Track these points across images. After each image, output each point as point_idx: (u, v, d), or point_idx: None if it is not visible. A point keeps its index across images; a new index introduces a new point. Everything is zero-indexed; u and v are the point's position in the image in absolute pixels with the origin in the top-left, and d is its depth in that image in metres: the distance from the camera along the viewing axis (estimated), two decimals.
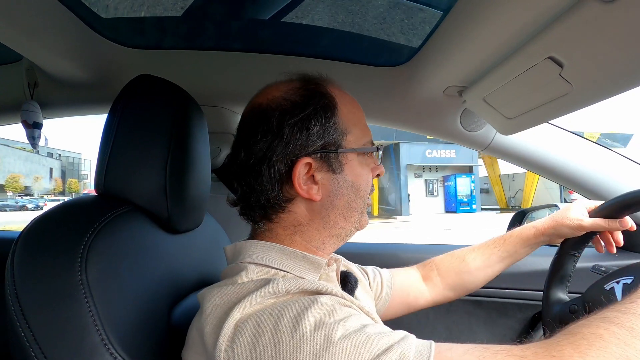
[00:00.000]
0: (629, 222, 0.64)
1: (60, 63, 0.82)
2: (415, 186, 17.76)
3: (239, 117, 1.11)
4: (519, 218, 1.26)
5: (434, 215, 17.14)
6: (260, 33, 0.90)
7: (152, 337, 0.49)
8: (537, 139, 0.95)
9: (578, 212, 0.69)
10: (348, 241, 0.54)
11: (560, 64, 0.58)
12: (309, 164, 0.47)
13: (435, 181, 18.38)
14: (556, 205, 1.10)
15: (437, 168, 18.13)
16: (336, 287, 0.50)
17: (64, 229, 0.47)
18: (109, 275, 0.46)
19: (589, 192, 0.96)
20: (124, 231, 0.51)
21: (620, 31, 0.48)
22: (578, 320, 0.36)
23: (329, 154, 0.48)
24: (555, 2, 0.50)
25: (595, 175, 0.94)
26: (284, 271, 0.46)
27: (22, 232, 0.47)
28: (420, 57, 0.84)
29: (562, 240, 0.72)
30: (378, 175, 0.55)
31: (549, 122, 0.94)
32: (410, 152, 17.06)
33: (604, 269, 0.65)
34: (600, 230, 0.67)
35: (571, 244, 0.70)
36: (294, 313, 0.36)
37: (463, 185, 17.57)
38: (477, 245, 0.77)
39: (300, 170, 0.46)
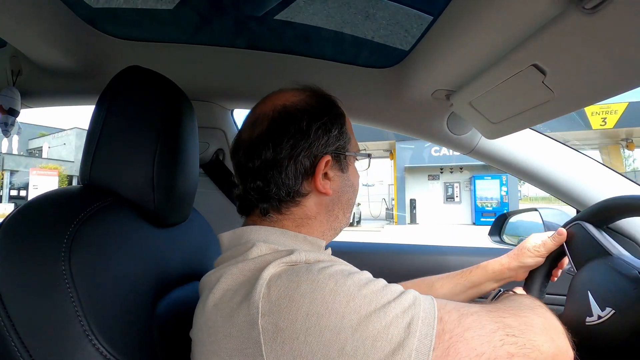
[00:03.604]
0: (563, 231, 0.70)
1: (47, 52, 0.81)
2: (428, 191, 15.45)
3: (229, 113, 1.12)
4: (501, 221, 1.29)
5: (448, 225, 13.67)
6: (253, 30, 0.90)
7: (136, 329, 0.49)
8: (520, 144, 0.98)
9: (536, 240, 0.73)
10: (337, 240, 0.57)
11: (543, 72, 0.60)
12: (328, 162, 0.53)
13: (457, 184, 15.23)
14: (536, 209, 1.12)
15: (461, 168, 14.84)
16: None
17: (49, 219, 0.46)
18: (93, 266, 0.45)
19: (567, 197, 1.00)
20: (110, 222, 0.50)
21: (600, 41, 0.50)
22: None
23: (340, 155, 0.55)
24: (539, 12, 0.52)
25: (573, 181, 0.97)
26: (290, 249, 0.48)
27: (4, 220, 0.46)
28: (410, 60, 0.86)
29: (526, 274, 0.74)
30: (358, 179, 0.62)
31: (532, 127, 0.97)
32: (407, 153, 14.90)
33: (573, 271, 0.68)
34: (558, 244, 0.70)
35: (537, 284, 0.72)
36: (323, 266, 0.41)
37: (487, 189, 13.62)
38: (446, 274, 0.79)
39: (322, 166, 0.52)
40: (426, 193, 15.51)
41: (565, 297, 0.67)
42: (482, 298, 0.75)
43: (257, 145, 0.51)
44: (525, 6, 0.53)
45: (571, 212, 0.97)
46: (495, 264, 0.75)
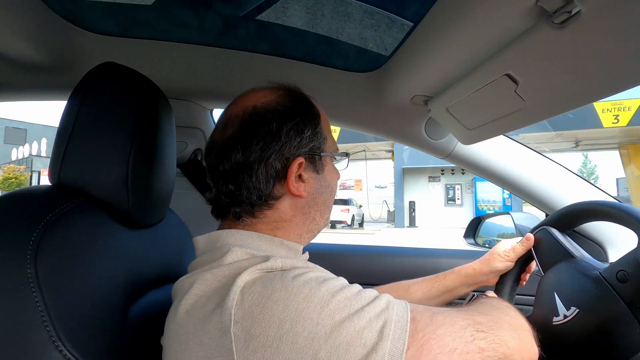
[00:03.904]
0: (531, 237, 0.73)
1: (17, 44, 0.77)
2: (429, 193, 15.06)
3: (208, 113, 1.10)
4: (475, 224, 1.32)
5: (449, 229, 12.47)
6: (234, 29, 0.89)
7: (106, 334, 0.47)
8: (494, 150, 1.01)
9: (506, 246, 0.75)
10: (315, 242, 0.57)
11: (515, 81, 0.62)
12: (301, 164, 0.52)
13: (458, 186, 14.86)
14: (509, 213, 1.16)
15: (463, 170, 13.45)
16: None
17: (14, 220, 0.44)
18: (61, 269, 0.44)
19: (536, 201, 1.04)
20: (80, 224, 0.49)
21: (568, 55, 0.53)
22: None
23: (314, 156, 0.54)
24: (512, 25, 0.54)
25: (542, 186, 1.01)
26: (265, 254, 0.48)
27: None
28: (391, 65, 0.87)
29: (497, 280, 0.76)
30: (337, 179, 0.62)
31: (507, 135, 1.01)
32: (406, 154, 14.28)
33: (542, 274, 0.71)
34: (526, 249, 0.73)
35: (508, 288, 0.75)
36: (298, 273, 0.41)
37: (489, 192, 12.99)
38: (421, 278, 0.81)
39: (294, 168, 0.51)
40: (426, 195, 15.16)
41: (533, 297, 0.70)
42: (460, 300, 0.77)
43: (227, 148, 0.50)
44: (499, 18, 0.55)
45: (541, 216, 1.02)
46: (468, 269, 0.77)
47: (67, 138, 0.52)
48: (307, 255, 0.58)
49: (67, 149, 0.52)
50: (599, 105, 10.84)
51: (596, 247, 1.00)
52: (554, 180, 1.01)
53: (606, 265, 0.59)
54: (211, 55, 0.92)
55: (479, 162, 1.02)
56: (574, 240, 0.69)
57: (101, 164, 0.53)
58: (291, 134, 0.50)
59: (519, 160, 1.02)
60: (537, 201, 1.04)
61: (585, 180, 1.02)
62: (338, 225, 14.91)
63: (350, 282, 0.44)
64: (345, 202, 15.14)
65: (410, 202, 14.86)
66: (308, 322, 0.37)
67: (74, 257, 0.46)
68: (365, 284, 0.47)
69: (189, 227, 0.79)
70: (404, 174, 15.00)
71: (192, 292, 0.42)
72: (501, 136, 1.01)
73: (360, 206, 16.60)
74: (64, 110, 0.55)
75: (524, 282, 0.77)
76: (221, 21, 0.85)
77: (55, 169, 0.52)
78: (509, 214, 1.18)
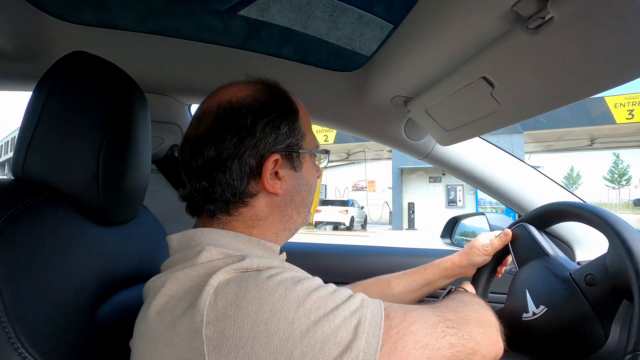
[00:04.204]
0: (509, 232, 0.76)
1: None
2: (429, 194, 14.51)
3: (185, 108, 1.08)
4: (452, 224, 1.36)
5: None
6: (214, 23, 0.87)
7: (72, 335, 0.45)
8: (471, 152, 1.04)
9: (485, 240, 0.78)
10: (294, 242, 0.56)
11: (491, 84, 0.64)
12: (276, 160, 0.50)
13: (460, 188, 14.43)
14: (484, 214, 1.20)
15: None
16: None
17: None
18: (23, 268, 0.41)
19: (510, 202, 1.07)
20: (44, 220, 0.46)
21: (541, 59, 0.54)
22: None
23: (292, 153, 0.52)
24: (489, 29, 0.56)
25: (516, 188, 1.04)
26: (241, 254, 0.46)
27: None
28: (371, 65, 0.88)
29: (474, 271, 0.79)
30: (318, 177, 0.61)
31: (483, 137, 1.03)
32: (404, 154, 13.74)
33: (514, 270, 0.73)
34: (503, 244, 0.75)
35: (484, 280, 0.78)
36: (273, 272, 0.40)
37: None
38: (402, 272, 0.82)
39: (269, 165, 0.50)
40: (427, 197, 14.72)
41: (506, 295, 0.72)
42: (433, 298, 0.78)
43: (201, 143, 0.49)
44: (477, 22, 0.56)
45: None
46: (447, 262, 0.79)
47: (32, 129, 0.50)
48: (284, 255, 0.57)
49: (32, 141, 0.50)
50: (611, 100, 10.20)
51: (564, 247, 1.04)
52: (526, 182, 1.05)
53: (577, 266, 0.62)
54: (189, 49, 0.89)
55: (456, 163, 1.04)
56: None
57: (70, 157, 0.51)
58: (267, 129, 0.49)
59: (494, 162, 1.05)
60: (511, 202, 1.07)
61: (556, 182, 1.06)
62: (327, 227, 14.61)
63: (328, 282, 0.43)
64: (344, 203, 14.85)
65: (409, 203, 14.50)
66: (283, 322, 0.36)
67: (36, 254, 0.43)
68: (344, 283, 0.47)
69: (164, 225, 0.77)
70: (404, 175, 14.66)
71: (163, 292, 0.41)
72: (478, 138, 1.03)
73: (362, 207, 16.27)
74: (30, 100, 0.52)
75: (500, 275, 0.80)
76: (201, 15, 0.83)
77: (19, 161, 0.50)
78: (483, 214, 1.21)
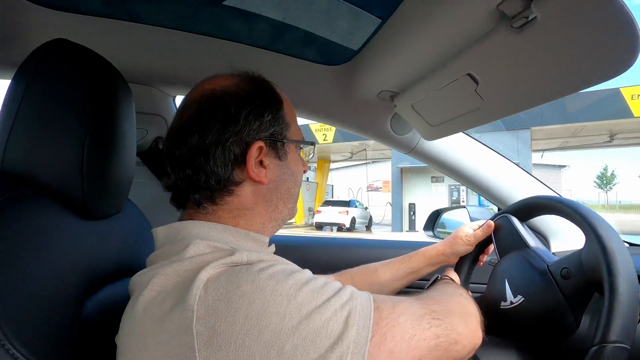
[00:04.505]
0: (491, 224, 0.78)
1: None
2: (431, 194, 13.74)
3: (170, 100, 1.06)
4: (434, 217, 1.39)
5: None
6: (199, 13, 0.85)
7: (58, 331, 0.44)
8: (454, 147, 1.06)
9: (468, 230, 0.80)
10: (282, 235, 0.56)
11: (476, 81, 0.66)
12: (261, 148, 0.50)
13: (463, 187, 12.98)
14: (465, 207, 1.23)
15: None
16: None
17: None
18: (5, 263, 0.40)
19: (491, 196, 1.10)
20: (26, 214, 0.45)
21: (524, 57, 0.56)
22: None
23: (277, 142, 0.53)
24: (475, 26, 0.57)
25: (497, 182, 1.08)
26: (230, 247, 0.46)
27: None
28: (359, 60, 0.88)
29: (457, 259, 0.81)
30: (304, 171, 0.61)
31: (466, 133, 1.06)
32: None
33: (494, 261, 0.76)
34: (486, 234, 0.78)
35: (466, 268, 0.81)
36: (264, 266, 0.40)
37: None
38: (388, 260, 0.84)
39: (253, 153, 0.50)
40: (429, 197, 13.95)
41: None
42: (420, 282, 0.81)
43: (184, 131, 0.49)
44: (463, 20, 0.57)
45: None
46: (432, 250, 0.81)
47: (12, 120, 0.48)
48: (273, 247, 0.57)
49: (11, 132, 0.48)
50: (627, 91, 9.30)
51: (540, 238, 1.09)
52: (507, 176, 1.08)
53: (555, 258, 0.64)
54: (175, 39, 0.87)
55: (440, 157, 1.06)
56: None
57: (52, 148, 0.49)
58: (250, 117, 0.50)
59: (477, 158, 1.07)
60: (492, 195, 1.10)
61: (535, 178, 1.10)
62: (334, 228, 13.85)
63: (315, 274, 0.44)
64: (346, 203, 14.32)
65: (410, 204, 13.91)
66: (275, 316, 0.36)
67: (20, 249, 0.42)
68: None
69: (149, 218, 0.76)
70: (404, 174, 14.13)
71: (151, 288, 0.40)
72: (461, 134, 1.06)
73: (367, 208, 15.85)
74: (8, 89, 0.50)
75: (482, 263, 0.83)
76: (186, 4, 0.82)
77: None
78: (465, 207, 1.25)
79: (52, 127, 0.49)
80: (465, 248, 0.79)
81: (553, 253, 1.03)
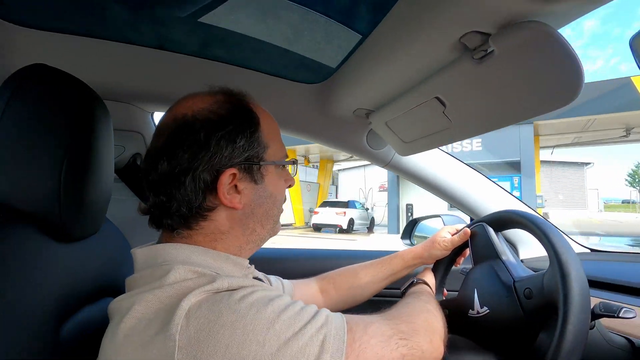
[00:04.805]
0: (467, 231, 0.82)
1: None
2: (430, 195, 11.42)
3: (148, 116, 1.06)
4: (411, 226, 1.43)
5: None
6: (175, 31, 0.86)
7: (36, 353, 0.44)
8: (428, 161, 1.11)
9: (445, 235, 0.84)
10: (264, 248, 0.57)
11: (443, 104, 0.70)
12: (234, 174, 0.49)
13: None
14: (439, 216, 1.28)
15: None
16: None
17: None
18: None
19: (463, 207, 1.15)
20: (3, 239, 0.45)
21: (484, 85, 0.61)
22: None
23: (252, 166, 0.51)
24: (441, 55, 0.61)
25: (468, 194, 1.13)
26: (212, 273, 0.46)
27: None
28: (336, 78, 0.92)
29: (434, 261, 0.85)
30: (290, 185, 0.61)
31: (439, 148, 1.10)
32: None
33: (467, 270, 0.80)
34: (462, 241, 0.82)
35: (442, 270, 0.85)
36: (245, 293, 0.41)
37: None
38: (369, 263, 0.87)
39: (225, 180, 0.49)
40: (427, 197, 12.55)
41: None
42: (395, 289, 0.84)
43: (156, 157, 0.49)
44: (431, 48, 0.61)
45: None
46: (410, 254, 0.85)
47: None
48: (253, 268, 0.58)
49: None
50: (638, 80, 8.60)
51: (510, 245, 1.14)
52: (478, 189, 1.13)
53: (522, 274, 0.68)
54: (152, 57, 0.88)
55: (414, 171, 1.11)
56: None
57: (29, 174, 0.50)
58: (222, 143, 0.48)
59: (450, 171, 1.12)
60: (465, 207, 1.15)
61: (506, 191, 1.16)
62: (336, 230, 13.49)
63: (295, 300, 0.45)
64: (344, 204, 13.90)
65: (407, 205, 13.58)
66: (255, 345, 0.37)
67: None
68: None
69: (127, 235, 0.76)
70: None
71: (132, 315, 0.40)
72: (435, 149, 1.10)
73: (368, 209, 15.44)
74: None
75: (458, 264, 0.87)
76: (161, 21, 0.82)
77: None
78: (439, 216, 1.30)
79: (28, 153, 0.50)
80: (442, 252, 0.83)
81: (522, 260, 1.08)
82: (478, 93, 0.63)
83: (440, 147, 1.09)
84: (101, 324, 0.46)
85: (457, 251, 0.85)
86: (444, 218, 1.24)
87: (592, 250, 1.14)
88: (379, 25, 0.68)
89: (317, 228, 14.05)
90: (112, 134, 0.63)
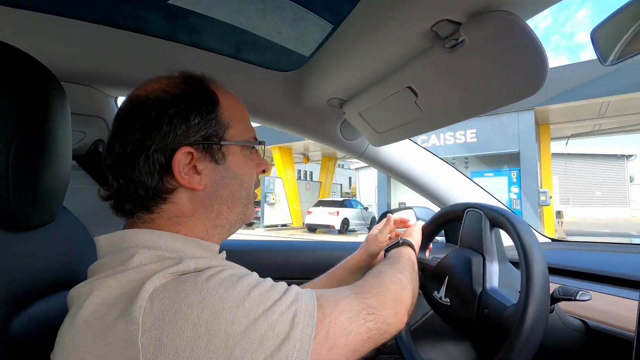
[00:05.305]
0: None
1: None
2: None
3: (112, 101, 1.01)
4: (383, 217, 1.45)
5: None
6: (142, 11, 0.82)
7: None
8: (401, 153, 1.12)
9: (374, 231, 0.85)
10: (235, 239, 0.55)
11: (415, 94, 0.70)
12: (191, 154, 0.48)
13: None
14: (412, 208, 1.30)
15: (466, 161, 10.59)
16: None
17: None
18: None
19: (435, 199, 1.18)
20: None
21: (455, 74, 0.61)
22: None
23: (212, 145, 0.50)
24: (413, 44, 0.61)
25: (438, 185, 1.15)
26: (178, 256, 0.45)
27: None
28: (309, 66, 0.90)
29: (375, 260, 0.84)
30: (264, 171, 0.59)
31: (412, 140, 1.12)
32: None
33: (438, 259, 0.81)
34: (390, 227, 0.85)
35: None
36: (212, 273, 0.40)
37: (493, 191, 6.12)
38: (317, 279, 0.85)
39: (181, 159, 0.47)
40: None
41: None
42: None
43: (110, 141, 0.48)
44: (403, 36, 0.61)
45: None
46: (352, 260, 0.84)
47: None
48: (224, 254, 0.57)
49: None
50: None
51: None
52: (449, 180, 1.16)
53: (495, 287, 0.67)
54: (116, 38, 0.83)
55: (387, 162, 1.12)
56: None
57: None
58: (175, 121, 0.47)
59: (421, 163, 1.14)
60: (435, 198, 1.18)
61: (474, 182, 1.20)
62: (333, 230, 12.76)
63: (266, 277, 0.45)
64: (339, 203, 13.34)
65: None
66: (224, 323, 0.37)
67: None
68: (283, 278, 0.49)
69: (88, 225, 0.72)
70: None
71: (91, 301, 0.38)
72: (408, 140, 1.12)
73: (366, 208, 14.82)
74: None
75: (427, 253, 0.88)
76: (128, 0, 0.78)
77: None
78: (411, 208, 1.32)
79: None
80: (378, 247, 0.83)
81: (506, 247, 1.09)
82: (448, 83, 0.63)
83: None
84: (57, 317, 0.43)
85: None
86: (415, 210, 1.26)
87: (552, 240, 1.20)
88: (351, 14, 0.67)
89: (312, 229, 13.50)
90: (69, 117, 0.59)
